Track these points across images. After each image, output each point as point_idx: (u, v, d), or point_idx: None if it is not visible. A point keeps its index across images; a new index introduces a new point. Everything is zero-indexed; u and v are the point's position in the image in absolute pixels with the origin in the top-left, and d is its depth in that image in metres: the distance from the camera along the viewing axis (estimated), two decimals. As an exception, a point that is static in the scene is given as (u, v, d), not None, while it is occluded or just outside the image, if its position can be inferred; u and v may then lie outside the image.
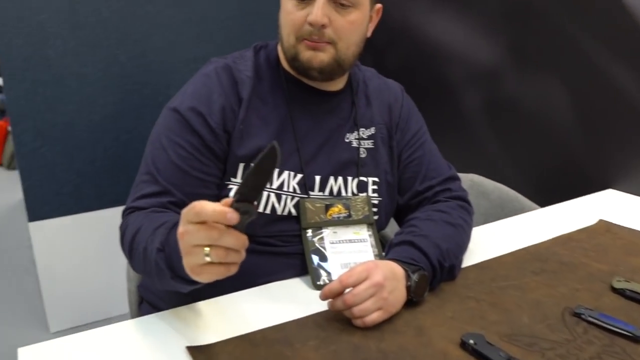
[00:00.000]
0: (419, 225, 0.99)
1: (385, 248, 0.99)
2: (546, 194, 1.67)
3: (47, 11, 1.78)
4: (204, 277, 0.67)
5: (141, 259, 0.84)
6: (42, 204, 1.93)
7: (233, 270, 0.66)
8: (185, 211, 0.65)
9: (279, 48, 1.04)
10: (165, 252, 0.76)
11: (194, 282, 0.73)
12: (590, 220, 1.28)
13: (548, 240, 1.17)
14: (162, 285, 0.81)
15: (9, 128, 4.26)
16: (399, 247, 0.95)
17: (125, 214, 0.96)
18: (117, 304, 2.15)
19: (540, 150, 1.72)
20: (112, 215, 2.04)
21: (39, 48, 1.80)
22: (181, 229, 0.66)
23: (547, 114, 1.67)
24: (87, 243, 2.06)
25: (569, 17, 1.57)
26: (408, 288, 0.88)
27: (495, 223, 1.29)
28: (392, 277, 0.85)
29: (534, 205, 1.52)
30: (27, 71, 1.80)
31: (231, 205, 0.63)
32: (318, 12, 0.91)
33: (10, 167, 4.32)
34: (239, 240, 0.64)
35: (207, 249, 0.64)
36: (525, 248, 1.13)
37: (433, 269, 0.93)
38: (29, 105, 1.83)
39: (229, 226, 0.63)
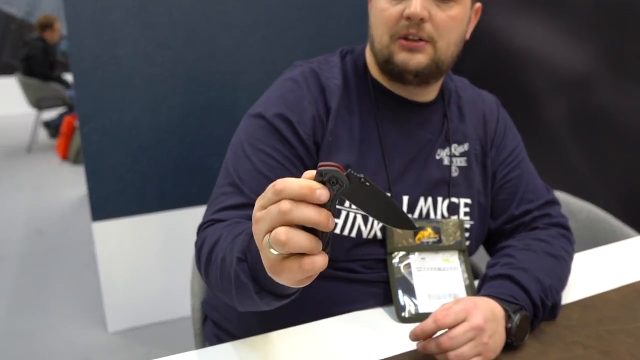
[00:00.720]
0: (517, 255, 0.89)
1: (478, 279, 0.89)
2: (639, 216, 1.53)
3: (118, 11, 1.76)
4: (285, 278, 0.52)
5: (218, 274, 0.74)
6: (105, 204, 1.92)
7: (316, 265, 0.50)
8: (262, 194, 0.53)
9: (367, 53, 0.95)
10: (247, 261, 0.63)
11: (283, 296, 0.63)
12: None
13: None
14: (245, 306, 0.70)
15: (76, 124, 4.36)
16: (496, 281, 0.85)
17: (203, 228, 0.86)
18: (175, 306, 2.12)
19: (635, 168, 1.57)
20: (174, 217, 2.02)
21: (109, 47, 1.78)
22: (257, 213, 0.54)
23: (644, 129, 1.53)
24: (148, 244, 2.04)
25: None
26: (508, 330, 0.78)
27: (591, 251, 1.16)
28: (492, 318, 0.75)
29: (625, 227, 1.38)
30: (96, 70, 1.79)
31: (315, 178, 0.51)
32: (417, 3, 0.82)
33: (76, 161, 4.43)
34: (320, 214, 0.49)
35: (267, 239, 0.51)
36: (631, 284, 1.01)
37: (534, 307, 0.82)
38: (97, 104, 1.82)
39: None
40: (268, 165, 0.86)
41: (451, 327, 0.73)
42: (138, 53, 1.82)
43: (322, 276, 0.90)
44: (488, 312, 0.75)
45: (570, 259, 0.95)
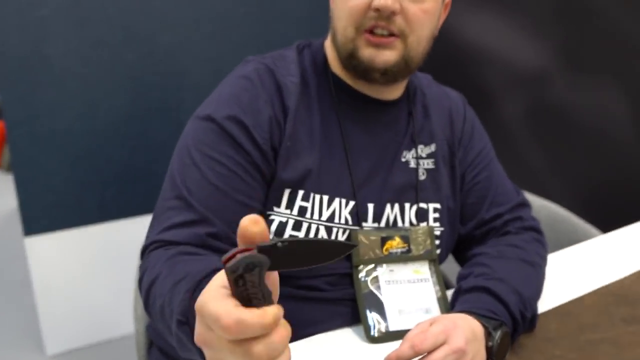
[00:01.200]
0: (492, 265, 0.83)
1: (447, 290, 0.82)
2: (599, 213, 1.51)
3: (48, 6, 1.61)
4: None
5: (158, 318, 0.67)
6: (39, 217, 1.76)
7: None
8: (199, 306, 0.44)
9: (327, 47, 0.87)
10: (190, 325, 0.57)
11: None
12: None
13: (629, 277, 1.00)
14: (186, 356, 0.63)
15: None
16: (472, 294, 0.78)
17: (147, 251, 0.76)
18: (120, 324, 1.98)
19: (592, 164, 1.55)
20: (117, 229, 1.88)
21: (38, 47, 1.63)
22: (199, 329, 0.46)
23: (602, 123, 1.51)
24: (88, 259, 1.90)
25: (631, 14, 1.40)
26: (488, 349, 0.71)
27: (559, 254, 1.12)
28: (472, 338, 0.68)
29: (587, 225, 1.35)
30: (24, 72, 1.63)
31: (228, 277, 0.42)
32: None
33: (9, 170, 4.16)
34: (281, 339, 0.43)
35: None
36: (606, 287, 0.96)
37: (514, 321, 0.76)
38: (26, 109, 1.66)
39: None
40: (219, 175, 0.76)
41: (430, 351, 0.65)
42: (71, 52, 1.68)
43: (282, 296, 0.81)
44: (468, 331, 0.68)
45: (544, 264, 0.89)
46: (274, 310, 0.42)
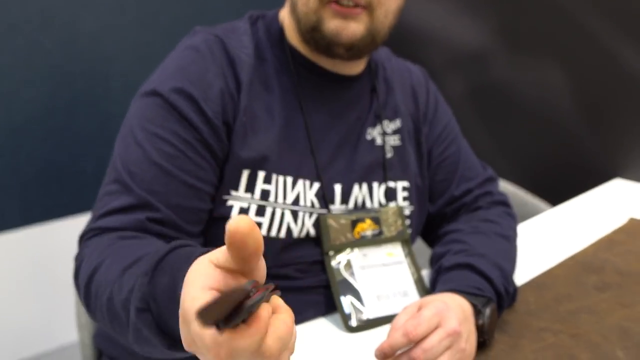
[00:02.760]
0: (469, 241, 0.79)
1: (426, 274, 0.78)
2: (546, 187, 1.52)
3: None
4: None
5: (105, 313, 0.57)
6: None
7: None
8: (184, 313, 0.38)
9: (284, 18, 0.80)
10: (152, 312, 0.49)
11: None
12: (615, 217, 1.13)
13: (590, 246, 1.00)
14: (145, 352, 0.54)
15: None
16: (455, 272, 0.74)
17: (83, 240, 0.68)
18: (61, 332, 1.83)
19: (536, 140, 1.56)
20: (44, 232, 1.73)
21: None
22: (188, 336, 0.39)
23: (544, 100, 1.52)
24: (15, 266, 1.73)
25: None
26: (479, 327, 0.68)
27: (520, 227, 1.11)
28: (464, 318, 0.65)
29: (537, 201, 1.36)
30: None
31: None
32: None
33: None
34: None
35: None
36: (571, 257, 0.96)
37: (498, 296, 0.73)
38: None
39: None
40: (165, 154, 0.68)
41: (424, 337, 0.60)
42: (-21, 40, 1.51)
43: (251, 289, 0.74)
44: (459, 311, 0.64)
45: (516, 238, 0.87)
46: (262, 314, 0.36)
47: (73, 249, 0.75)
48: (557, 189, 1.49)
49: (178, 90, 0.70)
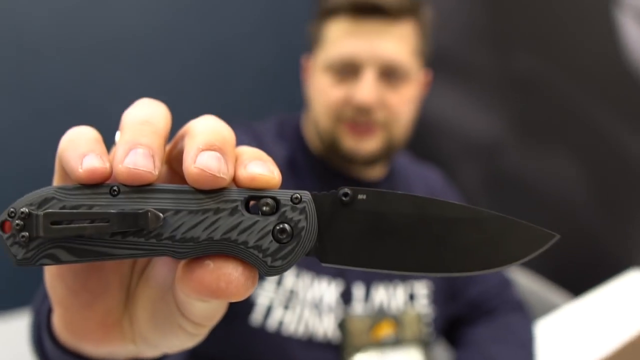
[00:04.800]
0: (492, 350, 0.78)
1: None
2: (561, 275, 1.52)
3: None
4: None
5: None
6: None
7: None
8: None
9: (306, 125, 0.83)
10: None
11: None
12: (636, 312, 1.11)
13: (617, 352, 0.98)
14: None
15: None
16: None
17: None
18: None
19: (551, 230, 1.57)
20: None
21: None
22: None
23: (557, 190, 1.54)
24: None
25: (576, 86, 1.46)
26: None
27: (540, 323, 1.10)
28: None
29: (553, 290, 1.36)
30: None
31: None
32: (366, 90, 0.71)
33: None
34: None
35: None
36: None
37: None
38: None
39: None
40: None
41: None
42: (12, 125, 1.57)
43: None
44: None
45: (534, 341, 0.86)
46: None
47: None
48: (573, 278, 1.48)
49: None
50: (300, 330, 0.73)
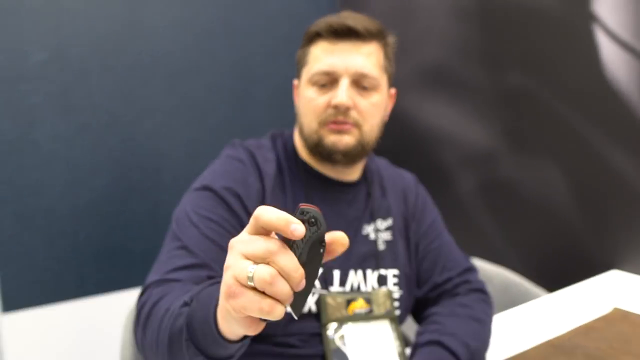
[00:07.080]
0: (444, 322, 0.95)
1: (408, 347, 0.93)
2: (548, 276, 1.65)
3: (38, 95, 1.75)
4: (239, 303, 0.48)
5: (156, 326, 0.70)
6: (19, 294, 1.81)
7: (277, 312, 0.48)
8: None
9: (296, 137, 1.02)
10: (190, 306, 0.61)
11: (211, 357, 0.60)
12: (602, 306, 1.25)
13: (569, 332, 1.12)
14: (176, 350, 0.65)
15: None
16: (427, 347, 0.89)
17: (149, 288, 0.81)
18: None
19: (540, 233, 1.71)
20: (95, 304, 1.93)
21: (26, 132, 1.75)
22: (230, 258, 0.50)
23: (545, 196, 1.68)
24: (66, 335, 1.93)
25: (561, 101, 1.61)
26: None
27: (507, 312, 1.25)
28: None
29: (537, 289, 1.49)
30: (11, 155, 1.74)
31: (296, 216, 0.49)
32: (344, 94, 0.90)
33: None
34: (295, 266, 0.47)
35: (251, 269, 0.47)
36: (549, 341, 1.09)
37: (464, 370, 0.87)
38: (11, 189, 1.75)
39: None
40: (215, 232, 0.87)
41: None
42: (58, 137, 1.80)
43: (260, 353, 0.91)
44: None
45: (490, 321, 1.01)
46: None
47: (121, 317, 0.90)
48: (558, 278, 1.61)
49: (227, 188, 0.91)
50: (288, 308, 0.91)
